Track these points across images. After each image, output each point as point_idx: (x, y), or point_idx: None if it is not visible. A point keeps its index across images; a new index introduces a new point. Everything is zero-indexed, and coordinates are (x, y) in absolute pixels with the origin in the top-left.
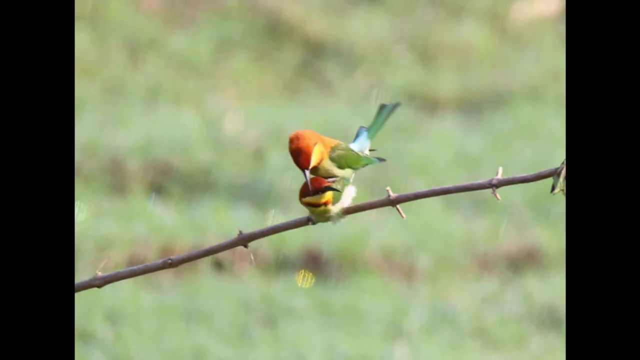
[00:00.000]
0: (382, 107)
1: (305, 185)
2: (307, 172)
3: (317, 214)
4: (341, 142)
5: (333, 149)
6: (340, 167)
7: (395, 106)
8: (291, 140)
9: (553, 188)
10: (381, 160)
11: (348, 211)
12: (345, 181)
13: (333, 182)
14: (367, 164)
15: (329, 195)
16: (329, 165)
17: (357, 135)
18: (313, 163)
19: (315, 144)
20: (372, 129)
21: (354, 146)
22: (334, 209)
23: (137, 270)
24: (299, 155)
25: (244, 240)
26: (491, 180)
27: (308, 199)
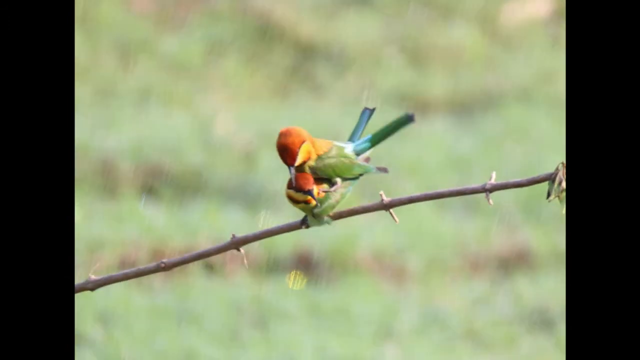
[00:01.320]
0: (364, 111)
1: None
2: (292, 169)
3: (301, 209)
4: (334, 147)
5: (321, 157)
6: (329, 177)
7: (372, 111)
8: (279, 136)
9: (549, 194)
10: (382, 170)
11: (340, 215)
12: (346, 190)
13: (334, 190)
14: (362, 174)
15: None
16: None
17: (358, 126)
18: (299, 161)
19: (303, 141)
20: (378, 135)
21: (349, 147)
22: (318, 209)
23: (130, 274)
24: (285, 152)
25: (236, 244)
26: (485, 184)
27: (290, 192)
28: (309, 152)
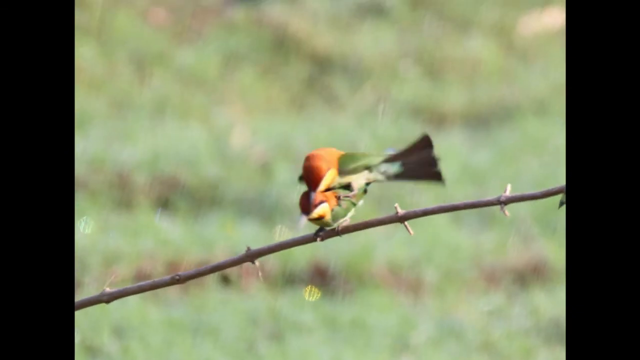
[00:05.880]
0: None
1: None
2: (314, 194)
3: (322, 225)
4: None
5: (344, 159)
6: (355, 170)
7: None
8: (306, 159)
9: (562, 204)
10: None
11: (356, 228)
12: (360, 192)
13: (347, 197)
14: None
15: (323, 210)
16: (340, 179)
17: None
18: (322, 187)
19: (329, 169)
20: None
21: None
22: (334, 222)
23: (145, 286)
24: (310, 178)
25: (251, 256)
26: (500, 197)
27: (311, 216)
28: (333, 179)
